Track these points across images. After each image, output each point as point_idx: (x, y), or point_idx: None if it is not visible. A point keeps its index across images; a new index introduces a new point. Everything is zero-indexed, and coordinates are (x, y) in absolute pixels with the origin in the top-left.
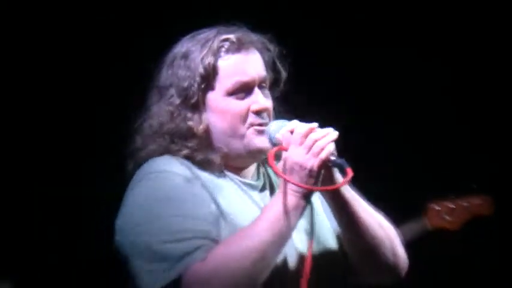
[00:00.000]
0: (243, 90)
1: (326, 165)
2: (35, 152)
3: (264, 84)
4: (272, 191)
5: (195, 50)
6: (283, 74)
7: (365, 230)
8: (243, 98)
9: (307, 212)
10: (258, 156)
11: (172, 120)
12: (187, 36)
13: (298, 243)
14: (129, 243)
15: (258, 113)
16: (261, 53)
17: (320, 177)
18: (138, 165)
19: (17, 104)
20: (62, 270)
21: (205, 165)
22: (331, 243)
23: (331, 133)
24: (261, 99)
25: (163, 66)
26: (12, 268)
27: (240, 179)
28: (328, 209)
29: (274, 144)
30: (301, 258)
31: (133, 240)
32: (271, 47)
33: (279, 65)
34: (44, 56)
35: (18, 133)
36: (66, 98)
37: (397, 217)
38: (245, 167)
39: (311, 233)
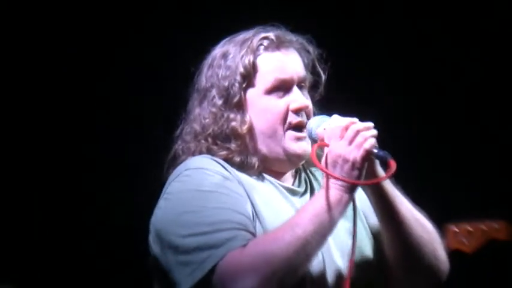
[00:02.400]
0: (282, 88)
1: (368, 158)
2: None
3: (303, 84)
4: (313, 194)
5: (234, 49)
6: (323, 77)
7: (406, 226)
8: (281, 97)
9: (351, 218)
10: (296, 161)
11: (215, 122)
12: (226, 38)
13: (338, 259)
14: (166, 237)
15: (297, 111)
16: (300, 53)
17: (363, 170)
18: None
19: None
20: (63, 273)
21: (243, 167)
22: (370, 253)
23: (372, 126)
24: (300, 98)
25: (203, 68)
26: (13, 271)
27: (280, 182)
28: (368, 208)
29: (315, 140)
30: (339, 275)
31: (170, 235)
32: (311, 48)
33: (318, 67)
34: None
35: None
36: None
37: None
38: (284, 172)
39: (352, 246)
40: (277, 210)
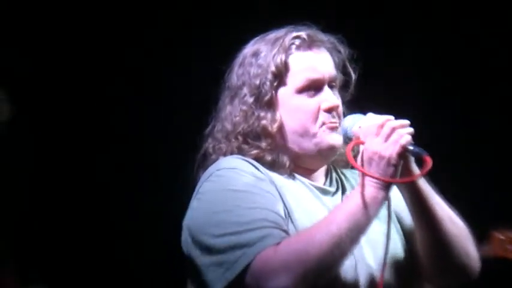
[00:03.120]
0: (313, 87)
1: (404, 155)
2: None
3: (333, 84)
4: (345, 194)
5: (265, 48)
6: (353, 77)
7: (440, 225)
8: (313, 96)
9: (383, 218)
10: (330, 154)
11: (246, 120)
12: (257, 37)
13: (370, 259)
14: (199, 239)
15: (328, 111)
16: (331, 53)
17: (399, 167)
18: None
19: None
20: (96, 273)
21: (274, 166)
22: (402, 254)
23: (408, 123)
24: (331, 97)
25: (234, 67)
26: (47, 272)
27: (311, 182)
28: (402, 208)
29: (350, 139)
30: (371, 276)
31: (204, 235)
32: (341, 48)
33: (349, 67)
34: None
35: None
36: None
37: None
38: (315, 169)
39: (386, 248)
40: (309, 209)
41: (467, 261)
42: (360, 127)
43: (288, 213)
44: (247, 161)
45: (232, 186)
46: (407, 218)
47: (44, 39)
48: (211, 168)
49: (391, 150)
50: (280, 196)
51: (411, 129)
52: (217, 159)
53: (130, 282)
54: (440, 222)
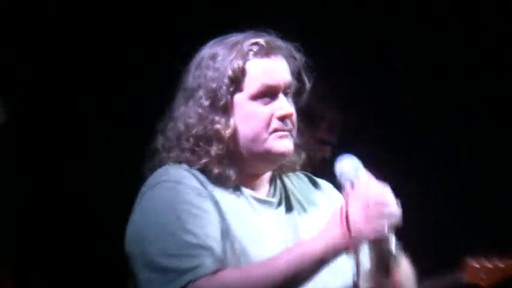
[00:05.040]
0: (269, 94)
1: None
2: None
3: (288, 91)
4: (288, 204)
5: (223, 52)
6: (307, 85)
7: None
8: (267, 103)
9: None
10: (278, 160)
11: (200, 123)
12: (215, 40)
13: None
14: (137, 252)
15: (281, 118)
16: (287, 60)
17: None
18: (154, 169)
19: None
20: (95, 277)
21: (220, 180)
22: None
23: (397, 214)
24: (286, 105)
25: (191, 68)
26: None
27: (255, 195)
28: None
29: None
30: None
31: (141, 250)
32: (298, 55)
33: (303, 74)
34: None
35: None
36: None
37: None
38: (262, 174)
39: None
40: (250, 225)
41: None
42: (352, 185)
43: (227, 231)
44: (193, 175)
45: (175, 205)
46: None
47: (39, 45)
48: (156, 176)
49: (368, 232)
50: (221, 213)
51: (398, 215)
52: (165, 160)
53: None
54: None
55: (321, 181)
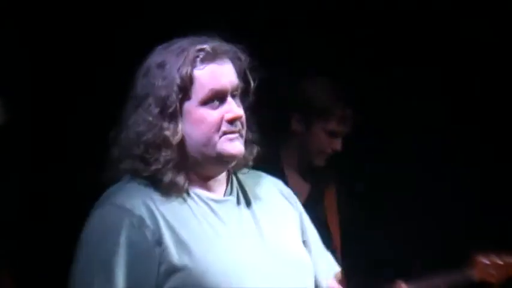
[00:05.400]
0: (217, 98)
1: None
2: None
3: (235, 93)
4: (247, 200)
5: (170, 59)
6: (252, 84)
7: None
8: (216, 107)
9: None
10: (229, 162)
11: (149, 130)
12: (161, 46)
13: None
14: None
15: (231, 121)
16: (233, 62)
17: None
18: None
19: None
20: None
21: (171, 187)
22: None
23: None
24: (235, 108)
25: (139, 76)
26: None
27: (212, 196)
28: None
29: None
30: None
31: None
32: (243, 56)
33: (248, 75)
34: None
35: None
36: None
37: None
38: (215, 176)
39: None
40: (203, 234)
41: None
42: None
43: (180, 243)
44: (140, 194)
45: (105, 255)
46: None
47: (39, 46)
48: (104, 198)
49: None
50: (173, 229)
51: None
52: (118, 170)
53: None
54: None
55: (272, 178)
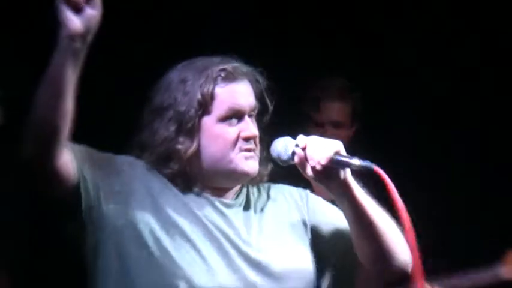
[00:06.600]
0: (235, 116)
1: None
2: None
3: (252, 113)
4: (247, 206)
5: (193, 76)
6: (269, 107)
7: (378, 229)
8: (234, 125)
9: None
10: (243, 179)
11: (165, 143)
12: (184, 63)
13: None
14: None
15: (247, 139)
16: (252, 84)
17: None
18: None
19: None
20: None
21: (185, 189)
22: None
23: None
24: (251, 127)
25: (160, 89)
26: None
27: (218, 199)
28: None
29: (285, 161)
30: None
31: None
32: (261, 79)
33: (266, 97)
34: None
35: None
36: None
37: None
38: (229, 189)
39: None
40: (192, 217)
41: (402, 257)
42: (303, 148)
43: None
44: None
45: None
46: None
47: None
48: None
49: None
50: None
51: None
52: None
53: None
54: (381, 226)
55: (285, 186)
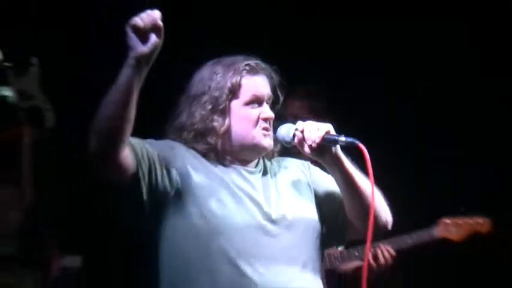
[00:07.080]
0: (257, 102)
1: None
2: None
3: (269, 101)
4: (265, 172)
5: (223, 70)
6: (280, 98)
7: (364, 192)
8: (255, 108)
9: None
10: (262, 152)
11: (202, 121)
12: (212, 61)
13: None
14: None
15: (265, 120)
16: (269, 78)
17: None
18: None
19: None
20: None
21: (217, 162)
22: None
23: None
24: (268, 111)
25: (195, 81)
26: (81, 244)
27: (243, 167)
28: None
29: (289, 143)
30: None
31: None
32: (275, 76)
33: (278, 90)
34: None
35: None
36: None
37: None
38: (251, 160)
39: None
40: (217, 180)
41: (385, 215)
42: (301, 131)
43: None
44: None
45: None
46: (323, 190)
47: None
48: None
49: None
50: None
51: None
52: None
53: None
54: (365, 190)
55: (291, 159)
